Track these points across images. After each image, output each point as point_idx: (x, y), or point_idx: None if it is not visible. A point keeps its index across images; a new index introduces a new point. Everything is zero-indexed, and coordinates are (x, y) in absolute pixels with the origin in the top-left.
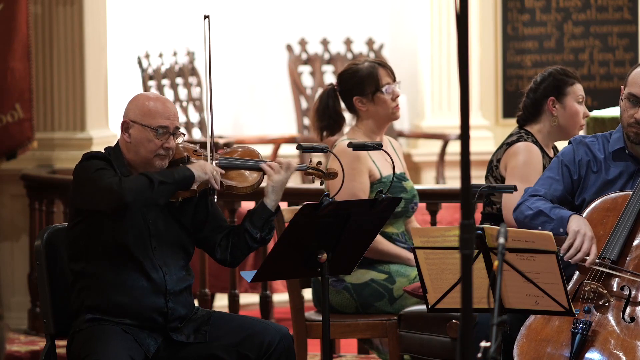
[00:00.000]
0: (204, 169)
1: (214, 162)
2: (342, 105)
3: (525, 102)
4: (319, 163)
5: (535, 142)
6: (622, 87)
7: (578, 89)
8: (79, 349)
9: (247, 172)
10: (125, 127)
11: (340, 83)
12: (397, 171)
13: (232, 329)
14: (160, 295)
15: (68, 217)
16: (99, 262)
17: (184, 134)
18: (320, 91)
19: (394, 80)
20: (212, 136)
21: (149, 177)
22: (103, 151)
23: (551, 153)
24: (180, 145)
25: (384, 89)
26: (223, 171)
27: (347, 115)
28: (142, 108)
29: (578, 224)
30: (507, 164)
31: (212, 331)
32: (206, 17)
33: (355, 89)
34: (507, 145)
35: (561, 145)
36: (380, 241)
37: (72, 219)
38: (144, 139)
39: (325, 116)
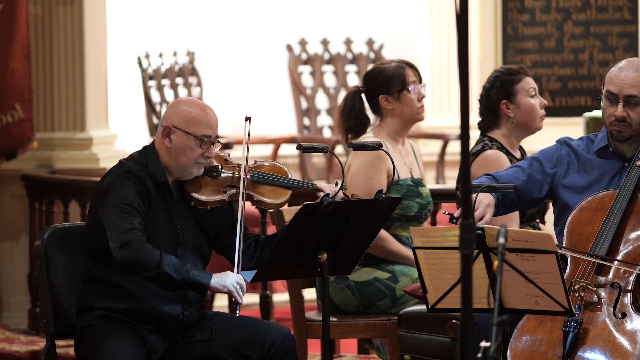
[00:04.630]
0: (224, 282)
1: (248, 174)
2: (366, 106)
3: (481, 110)
4: (336, 183)
5: (501, 147)
6: (601, 87)
7: (526, 82)
8: (87, 346)
9: (279, 189)
10: (167, 132)
11: (367, 82)
12: (415, 176)
13: (235, 329)
14: (178, 303)
15: (89, 215)
16: (119, 270)
17: (221, 143)
18: (320, 92)
19: (420, 81)
20: (247, 152)
21: (160, 262)
22: (139, 151)
23: (518, 154)
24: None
25: (410, 88)
26: (245, 287)
27: (371, 117)
28: (186, 115)
29: (477, 196)
30: (477, 173)
31: (216, 331)
32: (247, 118)
33: (382, 87)
34: (473, 155)
35: (529, 143)
36: (390, 241)
37: (94, 222)
38: (186, 146)
39: (351, 117)
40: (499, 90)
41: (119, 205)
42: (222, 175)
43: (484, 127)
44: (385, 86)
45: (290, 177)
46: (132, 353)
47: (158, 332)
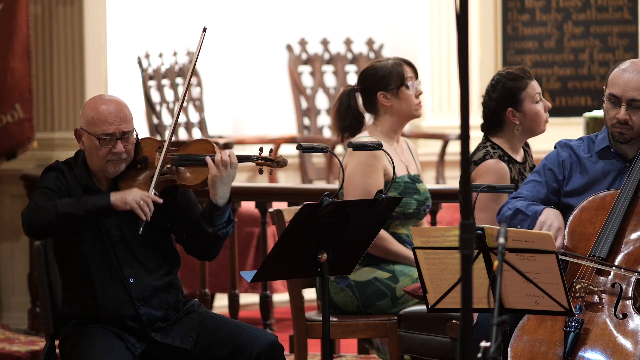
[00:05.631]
0: (124, 198)
1: (170, 160)
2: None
3: (484, 113)
4: (271, 151)
5: (502, 155)
6: (603, 87)
7: (532, 88)
8: (69, 354)
9: (199, 168)
10: (77, 135)
11: (364, 80)
12: (412, 172)
13: (221, 338)
14: (128, 304)
15: None
16: (71, 271)
17: (136, 135)
18: (320, 92)
19: (417, 77)
20: (170, 137)
21: (56, 209)
22: (74, 154)
23: (520, 155)
24: (146, 143)
25: (409, 84)
26: (159, 200)
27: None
28: (87, 115)
29: (546, 216)
30: (476, 181)
31: (200, 340)
32: (204, 30)
33: (380, 84)
34: (474, 163)
35: (531, 142)
36: (390, 241)
37: None
38: (92, 146)
39: (347, 116)
40: (504, 97)
41: (35, 195)
42: (150, 165)
43: (486, 130)
44: (383, 83)
45: (215, 151)
46: (112, 350)
47: (127, 332)
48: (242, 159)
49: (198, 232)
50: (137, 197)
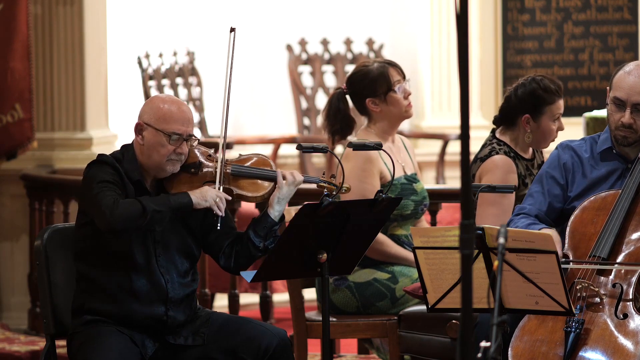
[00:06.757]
0: (205, 196)
1: (228, 169)
2: (351, 107)
3: (502, 106)
4: (333, 176)
5: (509, 152)
6: (607, 87)
7: (557, 107)
8: (76, 351)
9: (259, 182)
10: (139, 129)
11: (351, 86)
12: (408, 172)
13: (230, 332)
14: (161, 303)
15: (77, 214)
16: (102, 266)
17: (197, 139)
18: (320, 92)
19: (404, 78)
20: (224, 146)
21: (142, 205)
22: (119, 149)
23: (529, 153)
24: (195, 148)
25: (396, 88)
26: (229, 197)
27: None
28: (157, 111)
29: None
30: (482, 178)
31: (210, 334)
32: (232, 30)
33: (367, 90)
34: (480, 160)
35: None
36: (388, 244)
37: (80, 218)
38: (157, 143)
39: (337, 120)
40: (528, 102)
41: (97, 187)
42: (203, 171)
43: (498, 122)
44: (371, 89)
45: (273, 168)
46: (121, 351)
47: (145, 333)
48: (308, 180)
49: (243, 245)
50: (214, 195)
